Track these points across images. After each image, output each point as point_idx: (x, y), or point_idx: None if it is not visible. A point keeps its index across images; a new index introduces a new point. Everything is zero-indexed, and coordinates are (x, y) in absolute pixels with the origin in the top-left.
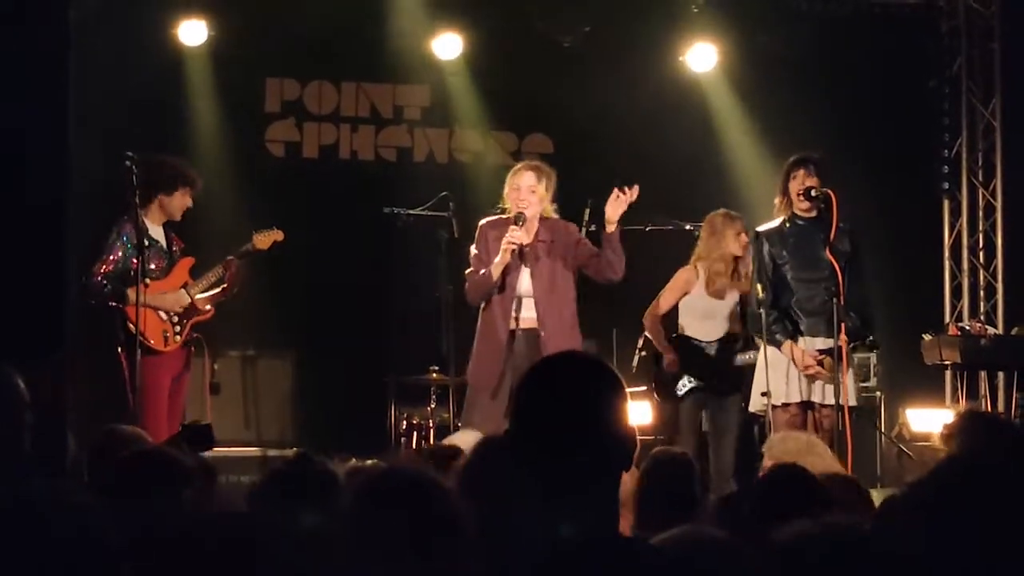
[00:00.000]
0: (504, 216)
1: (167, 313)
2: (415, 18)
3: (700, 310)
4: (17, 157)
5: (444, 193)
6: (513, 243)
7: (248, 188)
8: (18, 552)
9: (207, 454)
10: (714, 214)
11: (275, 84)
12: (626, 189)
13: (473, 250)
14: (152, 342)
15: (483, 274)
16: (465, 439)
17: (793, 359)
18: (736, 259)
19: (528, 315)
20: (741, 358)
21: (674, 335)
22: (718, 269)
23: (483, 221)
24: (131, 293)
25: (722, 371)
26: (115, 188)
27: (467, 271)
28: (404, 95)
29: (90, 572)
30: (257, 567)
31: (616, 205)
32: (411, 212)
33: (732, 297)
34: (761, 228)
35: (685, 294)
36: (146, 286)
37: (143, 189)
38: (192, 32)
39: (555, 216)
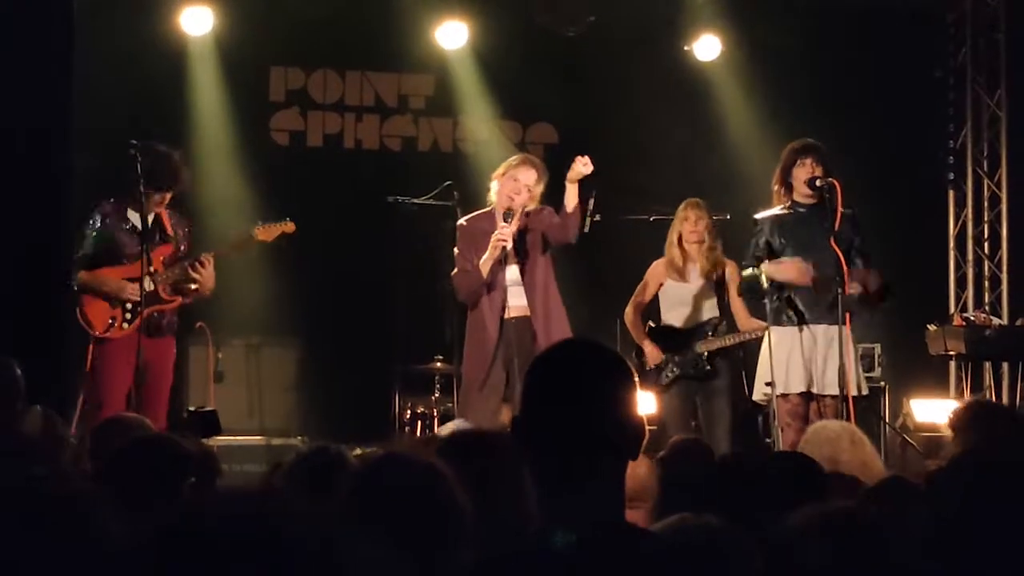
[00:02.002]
0: (486, 210)
1: (118, 299)
2: (420, 7)
3: (672, 298)
4: (21, 145)
5: (448, 183)
6: (503, 240)
7: (252, 177)
8: (19, 540)
9: (211, 442)
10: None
11: (279, 73)
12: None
13: (456, 250)
14: (94, 328)
15: (472, 272)
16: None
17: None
18: (700, 244)
19: (517, 303)
20: (701, 345)
21: (651, 325)
22: (675, 253)
23: (462, 221)
24: (83, 276)
25: (697, 357)
26: (119, 175)
27: (452, 272)
28: (409, 84)
29: (92, 561)
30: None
31: (574, 172)
32: (415, 201)
33: (697, 279)
34: (759, 215)
35: (661, 285)
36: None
37: (141, 177)
38: (196, 20)
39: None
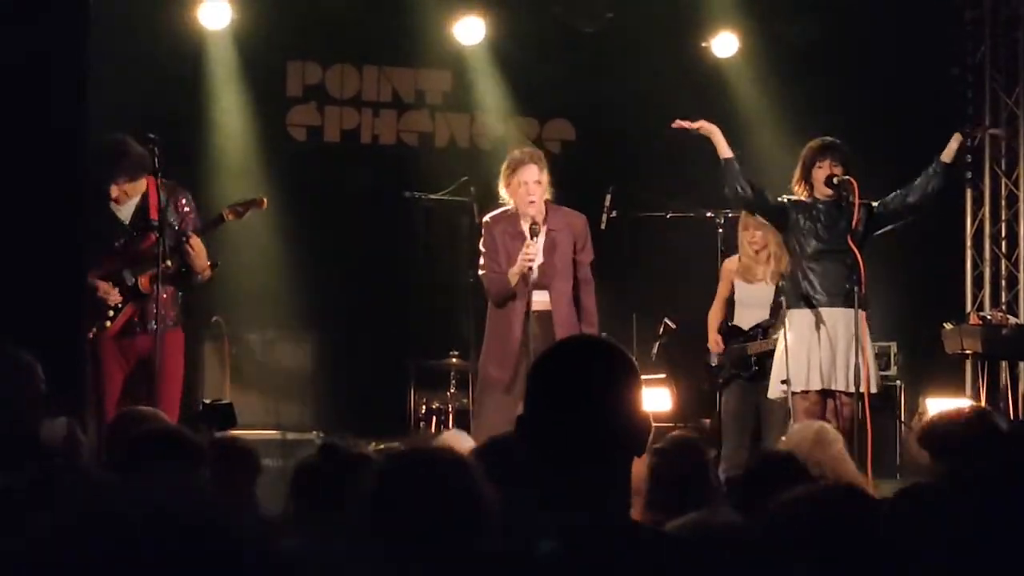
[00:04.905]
0: (508, 210)
1: (95, 302)
2: (438, 2)
3: (738, 299)
4: (38, 138)
5: (465, 178)
6: (530, 259)
7: (270, 172)
8: (41, 529)
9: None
10: None
11: (297, 68)
12: None
13: (482, 248)
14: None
15: (501, 279)
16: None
17: None
18: (764, 248)
19: (540, 299)
20: (752, 346)
21: (727, 324)
22: (746, 258)
23: (487, 218)
24: None
25: (747, 359)
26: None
27: (480, 272)
28: (426, 79)
29: (110, 548)
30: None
31: None
32: (432, 197)
33: (763, 282)
34: (791, 197)
35: (732, 283)
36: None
37: (105, 171)
38: (214, 15)
39: (550, 199)
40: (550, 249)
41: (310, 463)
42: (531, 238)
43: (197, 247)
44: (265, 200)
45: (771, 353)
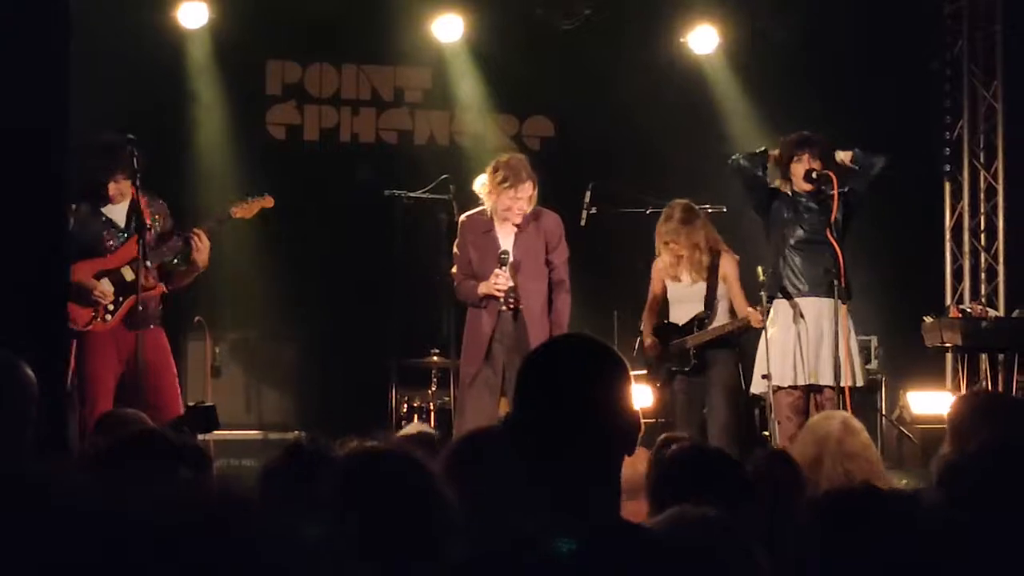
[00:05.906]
0: (484, 213)
1: (87, 300)
2: (416, 0)
3: (671, 296)
4: (18, 143)
5: (445, 176)
6: (500, 290)
7: (249, 171)
8: (18, 531)
9: (209, 437)
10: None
11: (276, 67)
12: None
13: (455, 250)
14: (75, 323)
15: (468, 287)
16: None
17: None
18: (683, 254)
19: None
20: (691, 338)
21: (664, 322)
22: (668, 256)
23: (463, 217)
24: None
25: (686, 353)
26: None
27: (453, 270)
28: (405, 77)
29: (91, 551)
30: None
31: None
32: (412, 195)
33: (688, 276)
34: (773, 187)
35: (663, 282)
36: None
37: (103, 169)
38: (193, 14)
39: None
40: (520, 251)
41: (276, 465)
42: (499, 267)
43: (205, 243)
44: (272, 199)
45: (722, 344)
